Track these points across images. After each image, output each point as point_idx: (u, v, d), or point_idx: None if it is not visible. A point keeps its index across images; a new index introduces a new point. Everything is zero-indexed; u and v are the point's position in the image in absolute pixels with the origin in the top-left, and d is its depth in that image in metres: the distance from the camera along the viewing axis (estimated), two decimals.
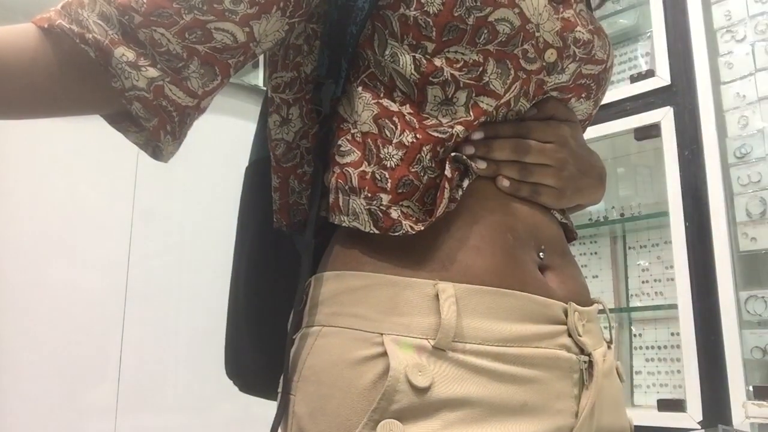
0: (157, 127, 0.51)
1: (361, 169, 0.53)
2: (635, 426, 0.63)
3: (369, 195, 0.52)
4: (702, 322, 1.51)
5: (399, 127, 0.52)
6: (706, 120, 1.58)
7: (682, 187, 1.60)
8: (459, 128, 0.52)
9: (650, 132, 1.69)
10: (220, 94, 0.54)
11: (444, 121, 0.52)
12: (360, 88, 0.55)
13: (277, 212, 0.63)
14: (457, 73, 0.51)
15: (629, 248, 1.89)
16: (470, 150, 0.53)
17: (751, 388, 1.43)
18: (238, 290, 0.69)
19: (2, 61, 0.47)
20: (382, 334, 0.48)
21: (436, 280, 0.49)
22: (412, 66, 0.52)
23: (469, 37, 0.51)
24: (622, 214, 1.84)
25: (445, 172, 0.51)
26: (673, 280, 1.61)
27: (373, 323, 0.49)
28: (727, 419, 1.43)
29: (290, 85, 0.59)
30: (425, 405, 0.45)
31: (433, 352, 0.47)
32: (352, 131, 0.55)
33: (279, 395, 0.54)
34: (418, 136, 0.52)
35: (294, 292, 0.56)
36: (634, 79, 1.74)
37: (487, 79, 0.52)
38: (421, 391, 0.45)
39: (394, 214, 0.51)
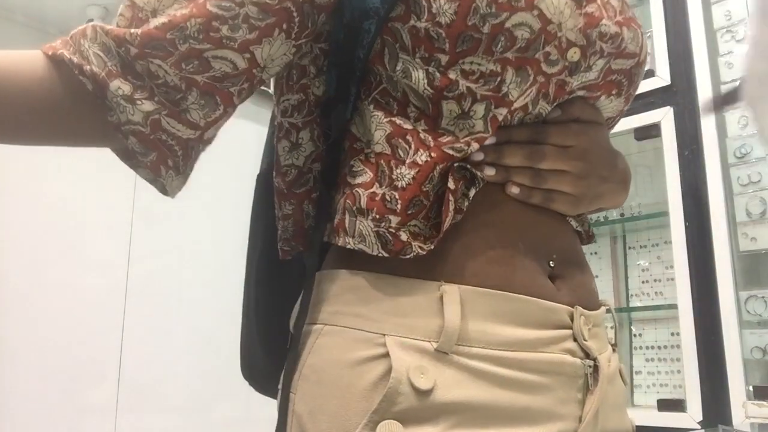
0: (156, 163, 0.50)
1: (371, 190, 0.51)
2: (635, 426, 0.62)
3: (377, 216, 0.50)
4: (702, 322, 1.51)
5: (413, 146, 0.50)
6: (706, 120, 1.58)
7: (682, 187, 1.60)
8: (475, 146, 0.50)
9: (650, 132, 1.69)
10: None
11: (461, 135, 0.50)
12: (372, 106, 0.52)
13: (289, 240, 0.60)
14: (473, 86, 0.49)
15: (629, 248, 1.89)
16: (479, 156, 0.51)
17: (751, 388, 1.43)
18: (249, 293, 0.69)
19: (8, 86, 0.47)
20: (384, 335, 0.47)
21: (441, 282, 0.49)
22: (425, 81, 0.49)
23: (485, 46, 0.48)
24: (622, 214, 1.84)
25: (448, 184, 0.49)
26: (673, 280, 1.61)
27: (376, 324, 0.48)
28: (727, 419, 1.43)
29: (298, 108, 0.57)
30: (427, 408, 0.45)
31: (436, 355, 0.46)
32: (366, 151, 0.53)
33: (279, 392, 0.53)
34: (432, 154, 0.50)
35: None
36: None
37: (506, 89, 0.49)
38: (423, 393, 0.45)
39: (404, 236, 0.49)
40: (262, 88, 0.62)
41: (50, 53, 0.48)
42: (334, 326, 0.50)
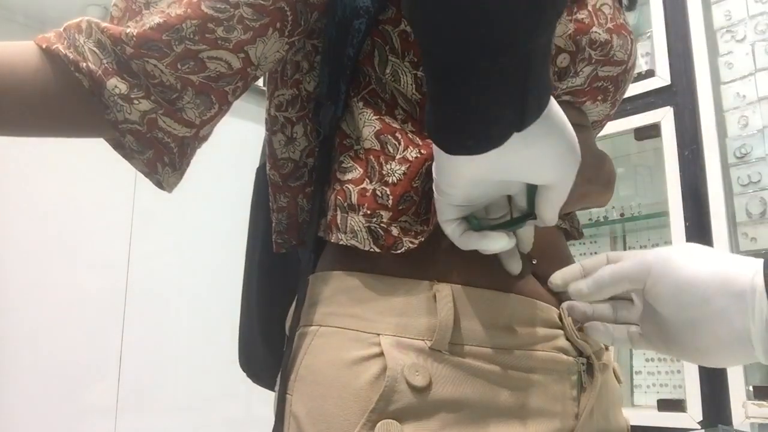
0: (153, 160, 0.51)
1: (362, 186, 0.51)
2: (635, 426, 0.62)
3: (368, 212, 0.50)
4: None
5: (402, 143, 0.51)
6: (706, 120, 1.58)
7: (682, 187, 1.60)
8: None
9: (650, 132, 1.69)
10: None
11: None
12: (361, 104, 0.53)
13: (283, 232, 0.61)
14: None
15: (629, 248, 1.89)
16: None
17: (751, 388, 1.43)
18: (251, 284, 0.69)
19: (1, 77, 0.47)
20: (378, 334, 0.48)
21: (434, 281, 0.49)
22: (414, 86, 0.50)
23: None
24: (622, 214, 1.84)
25: None
26: None
27: (370, 323, 0.48)
28: (727, 419, 1.43)
29: (292, 104, 0.57)
30: (423, 405, 0.45)
31: (430, 354, 0.47)
32: (355, 147, 0.53)
33: (276, 394, 0.54)
34: (422, 151, 0.50)
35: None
36: (634, 79, 1.74)
37: None
38: (420, 391, 0.45)
39: (395, 231, 0.49)
40: (262, 88, 0.62)
41: (44, 46, 0.48)
42: (329, 327, 0.50)
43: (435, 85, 0.39)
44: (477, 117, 0.38)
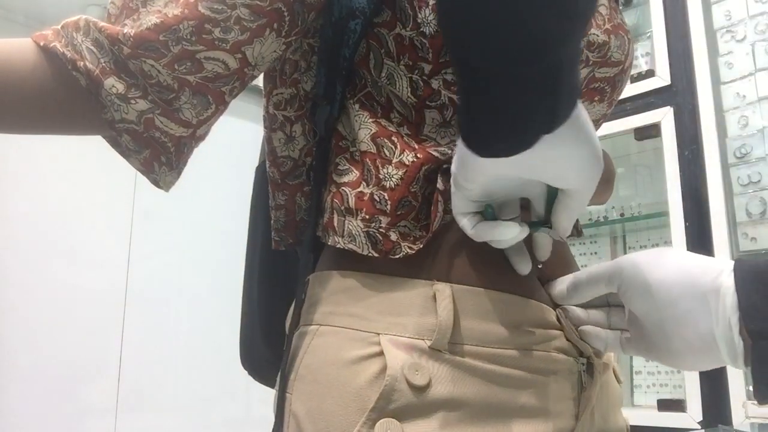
0: (149, 159, 0.51)
1: (359, 189, 0.51)
2: (635, 426, 0.62)
3: (367, 217, 0.50)
4: None
5: (399, 146, 0.51)
6: (706, 120, 1.58)
7: (682, 187, 1.60)
8: None
9: (650, 132, 1.69)
10: None
11: (443, 142, 0.51)
12: (357, 106, 0.53)
13: (281, 230, 0.61)
14: (455, 96, 0.50)
15: (629, 248, 1.89)
16: None
17: (751, 388, 1.43)
18: (252, 282, 0.69)
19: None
20: (378, 333, 0.48)
21: (434, 281, 0.49)
22: (409, 89, 0.50)
23: None
24: (622, 214, 1.84)
25: (438, 185, 0.50)
26: None
27: (370, 323, 0.49)
28: (727, 419, 1.43)
29: (290, 103, 0.57)
30: (423, 404, 0.45)
31: (430, 353, 0.47)
32: (351, 150, 0.53)
33: (276, 393, 0.54)
34: (419, 155, 0.50)
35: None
36: (634, 79, 1.74)
37: None
38: (419, 390, 0.45)
39: (393, 236, 0.49)
40: (261, 87, 0.62)
41: (42, 44, 0.48)
42: (329, 326, 0.51)
43: (466, 90, 0.39)
44: (508, 121, 0.39)
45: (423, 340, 0.47)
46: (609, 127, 1.71)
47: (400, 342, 0.47)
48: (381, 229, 0.50)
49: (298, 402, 0.50)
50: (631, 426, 0.62)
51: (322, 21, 0.54)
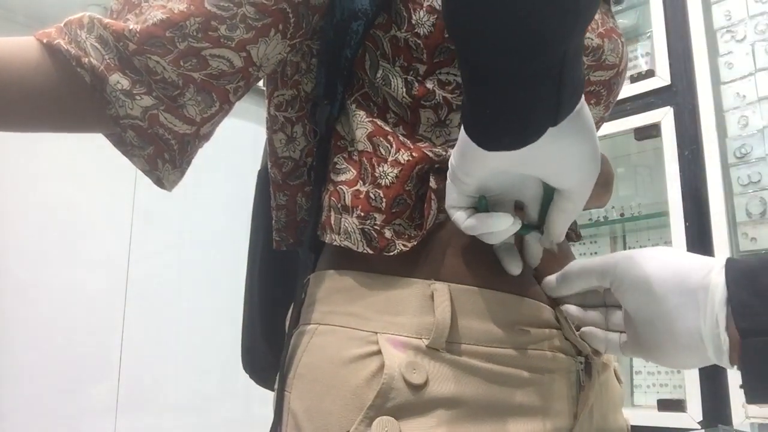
0: (153, 156, 0.51)
1: (355, 188, 0.52)
2: (635, 426, 0.62)
3: (362, 214, 0.51)
4: None
5: (394, 145, 0.51)
6: (706, 120, 1.58)
7: (682, 187, 1.60)
8: (452, 151, 0.51)
9: (650, 132, 1.69)
10: None
11: (438, 142, 0.52)
12: (354, 106, 0.54)
13: (281, 230, 0.62)
14: (449, 96, 0.51)
15: (629, 248, 1.88)
16: None
17: None
18: (253, 285, 0.70)
19: (1, 72, 0.47)
20: (376, 333, 0.48)
21: (432, 280, 0.49)
22: (404, 89, 0.51)
23: None
24: (622, 215, 1.84)
25: (430, 184, 0.50)
26: None
27: (368, 322, 0.49)
28: (727, 419, 1.43)
29: (291, 104, 0.58)
30: (421, 403, 0.46)
31: (428, 352, 0.47)
32: (349, 149, 0.54)
33: (275, 392, 0.54)
34: (414, 154, 0.51)
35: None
36: (634, 79, 1.74)
37: None
38: (417, 388, 0.45)
39: (388, 233, 0.50)
40: (262, 88, 0.62)
41: (45, 41, 0.48)
42: (328, 326, 0.51)
43: (471, 84, 0.40)
44: (513, 116, 0.39)
45: (421, 339, 0.47)
46: (609, 127, 1.72)
47: (397, 341, 0.47)
48: (376, 227, 0.50)
49: (296, 400, 0.50)
50: (631, 426, 0.62)
51: (322, 23, 0.54)
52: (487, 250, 0.51)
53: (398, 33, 0.50)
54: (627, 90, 1.74)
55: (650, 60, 1.80)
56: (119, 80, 0.47)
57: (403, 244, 0.50)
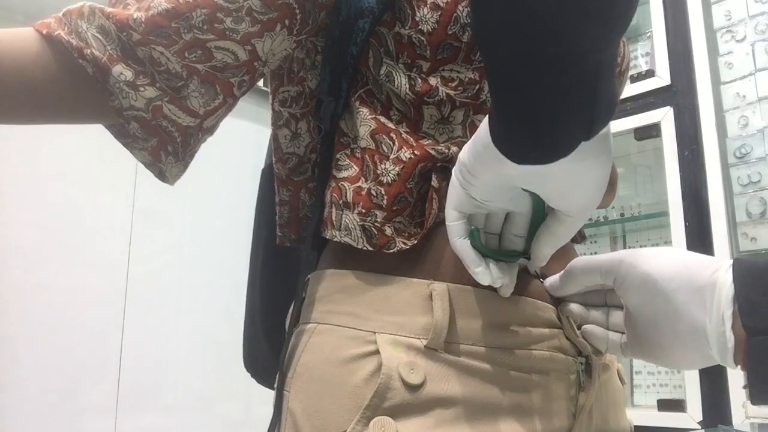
0: (156, 148, 0.51)
1: (357, 184, 0.52)
2: (635, 426, 0.62)
3: (363, 211, 0.51)
4: None
5: (396, 143, 0.51)
6: (706, 120, 1.58)
7: (682, 187, 1.60)
8: (455, 149, 0.51)
9: (650, 132, 1.69)
10: None
11: (441, 139, 0.52)
12: (358, 103, 0.54)
13: (284, 226, 0.62)
14: (452, 92, 0.51)
15: (629, 248, 1.89)
16: None
17: None
18: (254, 284, 0.70)
19: (1, 64, 0.46)
20: (374, 332, 0.48)
21: (431, 280, 0.49)
22: (407, 86, 0.51)
23: (464, 54, 0.50)
24: (622, 214, 1.84)
25: (432, 183, 0.50)
26: None
27: (367, 322, 0.49)
28: (727, 419, 1.43)
29: (296, 100, 0.58)
30: (418, 402, 0.46)
31: (426, 352, 0.47)
32: (352, 146, 0.54)
33: (275, 391, 0.54)
34: (416, 152, 0.51)
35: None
36: (634, 79, 1.74)
37: (485, 96, 0.51)
38: (414, 388, 0.46)
39: (389, 231, 0.50)
40: (263, 88, 0.62)
41: (45, 32, 0.48)
42: (327, 325, 0.51)
43: (500, 96, 0.38)
44: (545, 129, 0.38)
45: (419, 339, 0.47)
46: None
47: (395, 341, 0.47)
48: (377, 224, 0.50)
49: (295, 399, 0.50)
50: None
51: (328, 20, 0.54)
52: None
53: (402, 30, 0.50)
54: (627, 90, 1.74)
55: (650, 60, 1.80)
56: (122, 71, 0.47)
57: (403, 242, 0.50)
